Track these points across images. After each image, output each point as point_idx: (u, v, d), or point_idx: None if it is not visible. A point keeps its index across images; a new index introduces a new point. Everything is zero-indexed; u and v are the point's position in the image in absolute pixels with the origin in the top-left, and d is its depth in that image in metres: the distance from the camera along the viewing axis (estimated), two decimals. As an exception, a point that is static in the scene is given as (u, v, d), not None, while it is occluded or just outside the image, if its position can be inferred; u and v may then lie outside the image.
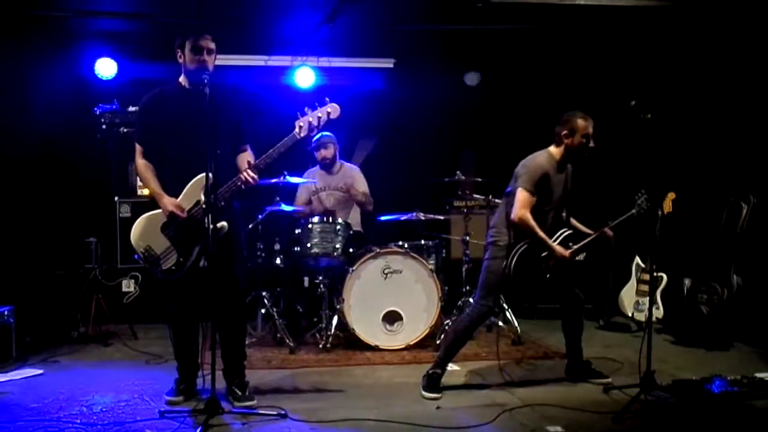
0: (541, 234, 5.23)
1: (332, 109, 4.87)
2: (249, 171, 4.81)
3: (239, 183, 4.81)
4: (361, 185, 7.43)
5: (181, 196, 4.86)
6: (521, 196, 5.22)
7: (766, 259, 6.94)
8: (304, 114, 4.85)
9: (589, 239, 5.39)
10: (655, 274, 7.07)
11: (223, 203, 4.79)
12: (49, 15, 7.36)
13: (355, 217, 7.42)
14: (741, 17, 7.08)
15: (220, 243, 4.73)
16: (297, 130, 4.83)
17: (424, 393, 5.28)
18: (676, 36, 7.72)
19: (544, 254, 5.27)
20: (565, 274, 5.39)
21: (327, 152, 7.32)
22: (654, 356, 5.07)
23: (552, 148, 5.43)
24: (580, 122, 5.31)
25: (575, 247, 5.36)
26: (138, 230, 4.95)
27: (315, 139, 7.12)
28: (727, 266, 6.90)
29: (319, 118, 4.84)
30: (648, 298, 5.36)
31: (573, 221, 5.61)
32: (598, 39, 8.10)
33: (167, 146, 4.93)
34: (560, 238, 5.37)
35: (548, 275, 5.30)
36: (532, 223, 5.19)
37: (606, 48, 8.16)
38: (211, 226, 4.60)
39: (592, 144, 5.33)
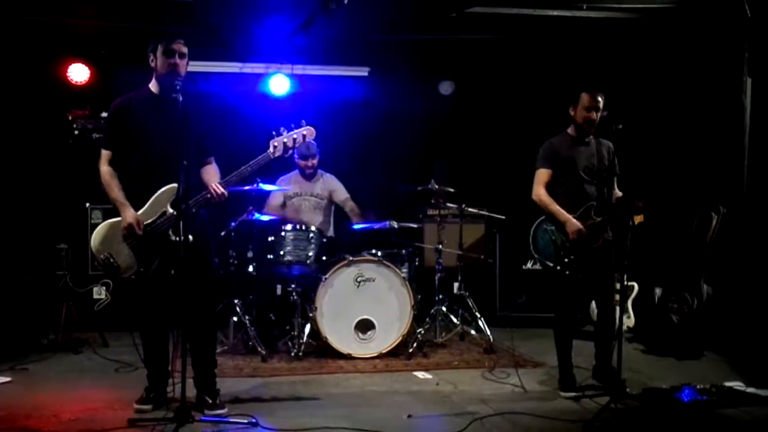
0: (555, 207, 5.47)
1: (308, 132, 4.91)
2: (219, 185, 4.80)
3: (208, 197, 4.80)
4: (343, 193, 7.51)
5: (145, 207, 4.82)
6: (535, 175, 5.60)
7: (736, 269, 7.01)
8: (279, 134, 4.86)
9: (607, 216, 5.47)
10: (626, 283, 7.12)
11: (193, 210, 4.77)
12: (21, 19, 7.30)
13: (328, 225, 7.43)
14: (709, 30, 7.18)
15: (188, 252, 4.67)
16: (271, 150, 4.84)
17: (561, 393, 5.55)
18: (647, 47, 7.80)
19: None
20: (591, 257, 5.47)
21: (314, 161, 7.36)
22: (624, 365, 5.09)
23: (569, 128, 5.68)
24: (583, 96, 5.52)
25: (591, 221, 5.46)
26: (99, 236, 4.89)
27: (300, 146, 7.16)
28: (697, 276, 6.97)
29: (294, 139, 4.87)
30: (619, 307, 5.39)
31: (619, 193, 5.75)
32: (571, 49, 8.17)
33: (135, 153, 4.87)
34: (581, 210, 5.50)
35: (571, 257, 5.39)
36: (546, 197, 5.50)
37: (578, 59, 8.23)
38: (180, 238, 4.57)
39: (596, 116, 5.47)
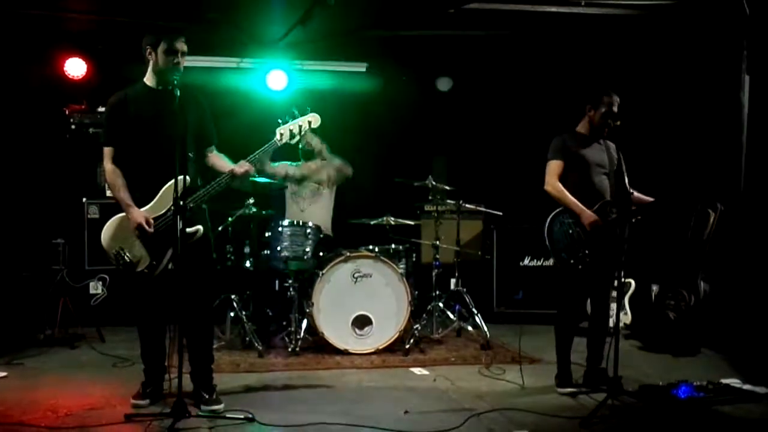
0: (569, 198, 5.37)
1: (313, 119, 5.12)
2: (242, 164, 4.88)
3: (226, 180, 4.85)
4: (337, 161, 7.46)
5: (153, 202, 4.81)
6: (548, 167, 5.49)
7: (733, 266, 7.01)
8: (285, 122, 5.02)
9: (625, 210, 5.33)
10: (623, 279, 7.12)
11: (201, 204, 4.79)
12: (17, 13, 7.27)
13: (326, 221, 7.41)
14: (708, 27, 7.17)
15: (193, 246, 4.71)
16: (278, 137, 5.00)
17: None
18: (645, 44, 7.80)
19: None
20: (604, 249, 5.37)
21: (310, 140, 7.29)
22: (621, 362, 5.08)
23: (579, 125, 5.62)
24: (605, 101, 5.47)
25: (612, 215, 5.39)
26: (110, 231, 4.88)
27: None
28: (695, 273, 6.97)
29: (300, 126, 5.06)
30: (616, 303, 5.38)
31: (637, 195, 5.52)
32: (569, 46, 8.17)
33: (136, 148, 4.86)
34: (597, 206, 5.40)
35: (586, 251, 5.31)
36: (560, 188, 5.40)
37: (577, 55, 8.22)
38: (188, 230, 4.63)
39: (614, 123, 5.41)
